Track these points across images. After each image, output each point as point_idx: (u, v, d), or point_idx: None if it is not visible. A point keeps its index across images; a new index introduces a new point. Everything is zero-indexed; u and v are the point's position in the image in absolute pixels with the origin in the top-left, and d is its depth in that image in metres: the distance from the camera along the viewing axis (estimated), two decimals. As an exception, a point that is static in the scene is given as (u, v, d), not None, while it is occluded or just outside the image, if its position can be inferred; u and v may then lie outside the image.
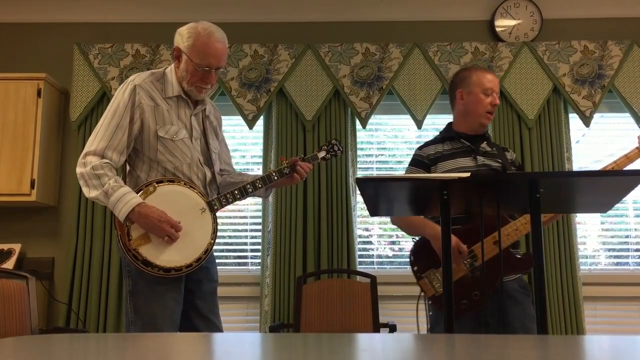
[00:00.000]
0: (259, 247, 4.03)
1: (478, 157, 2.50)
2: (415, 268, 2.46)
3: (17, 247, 3.87)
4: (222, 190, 2.39)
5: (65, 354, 1.01)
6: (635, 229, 4.03)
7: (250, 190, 2.36)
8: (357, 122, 4.04)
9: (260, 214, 4.04)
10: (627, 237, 4.04)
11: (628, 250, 4.04)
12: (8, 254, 3.83)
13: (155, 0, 4.16)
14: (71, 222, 3.91)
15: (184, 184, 2.24)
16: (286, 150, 3.93)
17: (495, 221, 1.97)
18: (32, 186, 3.72)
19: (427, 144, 2.61)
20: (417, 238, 2.54)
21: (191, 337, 1.34)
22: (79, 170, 2.16)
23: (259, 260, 4.00)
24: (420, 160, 2.56)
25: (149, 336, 1.33)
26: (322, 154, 2.64)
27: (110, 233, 3.86)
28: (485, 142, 2.56)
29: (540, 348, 1.08)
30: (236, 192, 2.33)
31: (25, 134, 3.78)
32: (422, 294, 2.44)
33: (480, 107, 2.50)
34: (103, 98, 4.00)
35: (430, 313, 2.48)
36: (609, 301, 3.88)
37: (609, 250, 4.07)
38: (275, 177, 2.42)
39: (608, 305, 3.88)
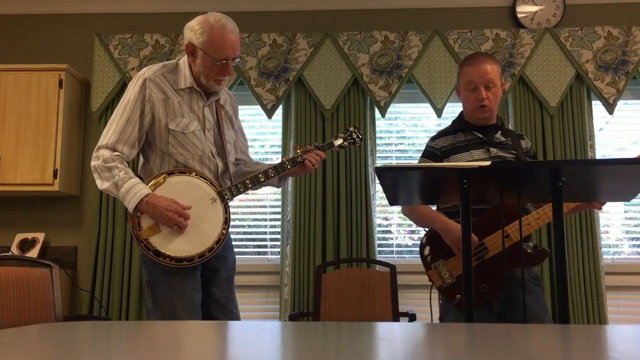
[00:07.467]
0: (279, 236, 4.04)
1: (491, 148, 2.44)
2: (428, 259, 2.45)
3: (40, 236, 3.94)
4: (236, 179, 2.37)
5: (89, 341, 1.02)
6: (660, 218, 3.97)
7: (263, 179, 2.33)
8: (376, 110, 4.03)
9: (279, 203, 4.05)
10: (651, 226, 3.98)
11: (652, 239, 3.98)
12: (32, 242, 3.90)
13: (174, -10, 4.17)
14: (93, 211, 3.96)
15: (195, 174, 2.24)
16: (305, 140, 3.93)
17: (508, 212, 1.95)
18: (55, 176, 3.77)
19: (439, 135, 2.55)
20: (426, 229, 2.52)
21: (213, 324, 1.35)
22: (92, 163, 2.20)
23: (279, 249, 4.01)
24: (432, 152, 2.52)
25: (171, 324, 1.34)
26: (338, 142, 2.54)
27: (132, 222, 3.90)
28: (499, 132, 2.49)
29: (561, 337, 1.08)
30: (247, 181, 2.31)
31: (47, 124, 3.83)
32: (431, 284, 2.43)
33: (468, 104, 2.46)
34: (123, 88, 4.03)
35: (440, 302, 2.48)
36: (632, 290, 3.84)
37: (633, 239, 4.01)
38: (289, 166, 2.38)
39: (631, 295, 3.84)
